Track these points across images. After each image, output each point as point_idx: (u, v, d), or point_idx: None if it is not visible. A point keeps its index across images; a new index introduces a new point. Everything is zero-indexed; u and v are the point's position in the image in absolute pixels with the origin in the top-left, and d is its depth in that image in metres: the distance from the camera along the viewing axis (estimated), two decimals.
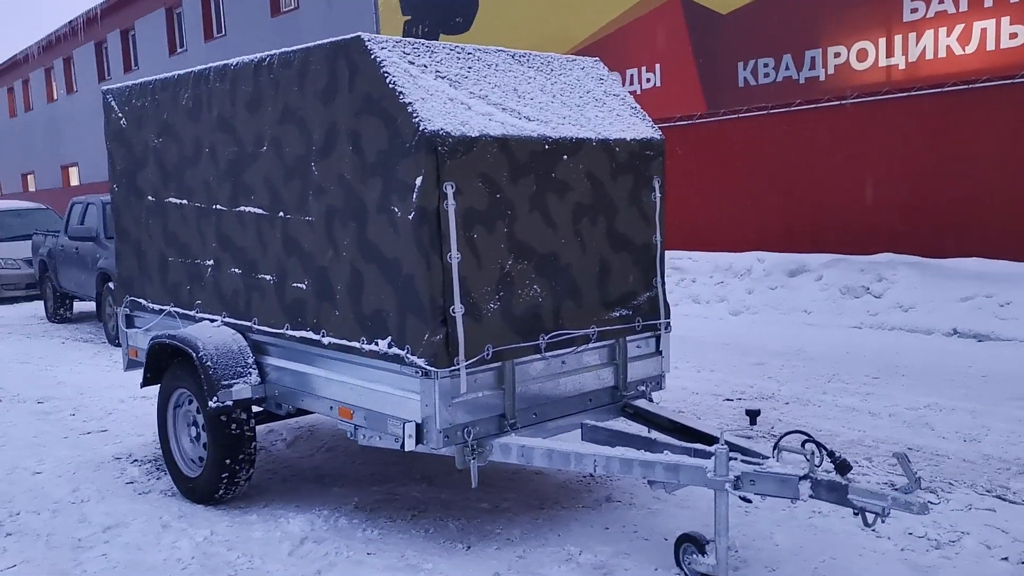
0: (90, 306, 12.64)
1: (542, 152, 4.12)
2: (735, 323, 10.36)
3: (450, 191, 3.77)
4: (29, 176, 39.77)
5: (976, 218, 9.92)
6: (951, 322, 9.05)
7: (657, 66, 12.91)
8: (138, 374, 6.15)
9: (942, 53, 9.97)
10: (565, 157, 4.22)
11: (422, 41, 4.24)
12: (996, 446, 5.45)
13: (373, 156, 3.94)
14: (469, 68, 4.30)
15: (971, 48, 9.74)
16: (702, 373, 7.81)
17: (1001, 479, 4.87)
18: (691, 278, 11.55)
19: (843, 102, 10.84)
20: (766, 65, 11.56)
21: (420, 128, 3.71)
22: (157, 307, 5.65)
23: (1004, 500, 4.57)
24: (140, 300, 5.84)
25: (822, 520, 4.37)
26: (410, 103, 3.78)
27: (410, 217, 3.78)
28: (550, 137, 4.17)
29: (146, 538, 4.45)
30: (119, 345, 10.55)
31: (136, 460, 5.83)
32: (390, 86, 3.84)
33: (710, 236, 12.17)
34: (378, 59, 3.91)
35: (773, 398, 6.91)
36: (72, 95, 34.10)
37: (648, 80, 13.04)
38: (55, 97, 36.08)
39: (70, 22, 32.58)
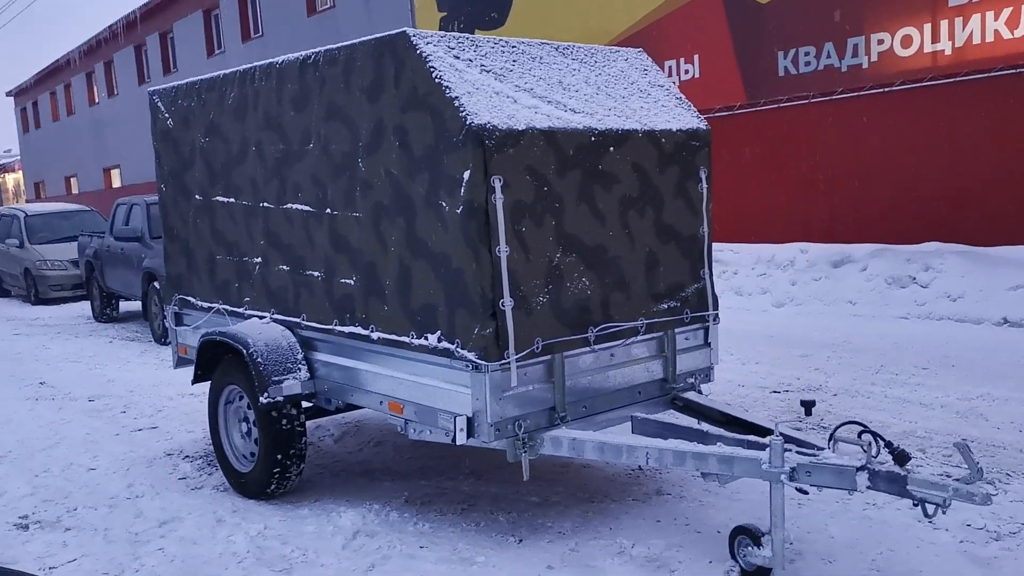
0: (136, 305, 12.84)
1: (588, 144, 4.11)
2: (779, 315, 10.25)
3: (498, 184, 3.77)
4: (72, 179, 40.50)
5: None
6: (1001, 311, 8.87)
7: (696, 57, 12.79)
8: (187, 372, 6.25)
9: (990, 37, 9.75)
10: (611, 149, 4.20)
11: (466, 35, 4.25)
12: None
13: (420, 151, 3.95)
14: (514, 61, 4.30)
15: (1020, 32, 9.52)
16: (747, 366, 7.73)
17: None
18: (733, 270, 11.45)
19: (887, 89, 10.66)
20: (807, 54, 11.40)
21: (467, 122, 3.71)
22: (206, 305, 5.72)
23: None
24: (189, 298, 5.92)
25: (877, 512, 4.31)
26: (456, 97, 3.79)
27: (458, 211, 3.79)
28: (596, 129, 4.15)
29: (201, 532, 4.51)
30: (165, 343, 10.74)
31: (187, 456, 5.91)
32: (436, 81, 3.84)
33: (752, 227, 12.05)
34: (424, 54, 3.92)
35: (821, 390, 6.82)
36: (113, 98, 34.66)
37: (687, 71, 12.93)
38: (97, 100, 36.69)
39: (110, 26, 33.10)
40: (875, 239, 10.73)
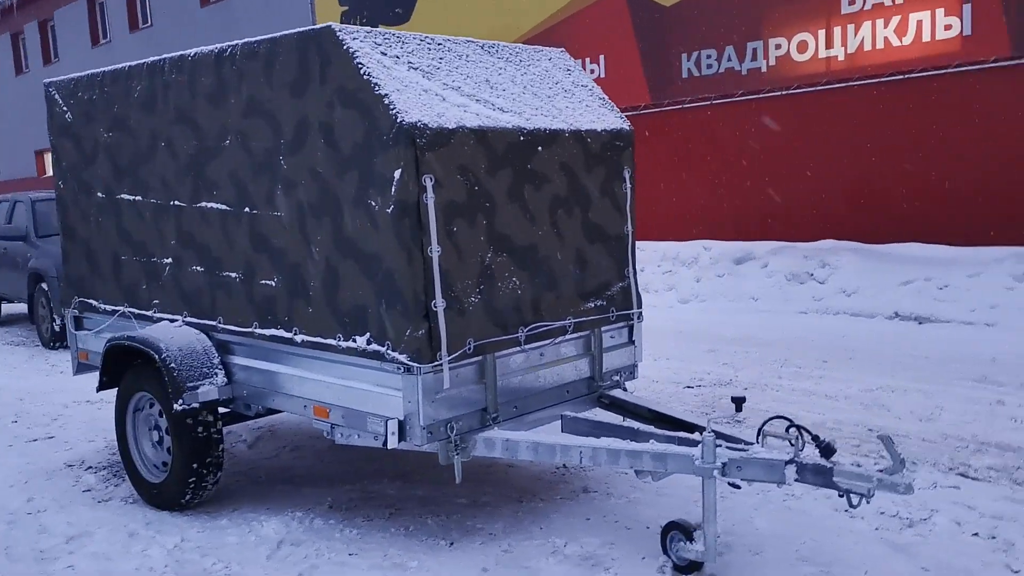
0: (20, 308, 12.14)
1: (518, 143, 4.09)
2: (685, 311, 10.50)
3: (429, 184, 3.71)
4: None
5: (914, 204, 10.23)
6: (893, 306, 9.33)
7: (601, 57, 12.97)
8: (83, 378, 5.97)
9: (880, 44, 10.24)
10: (540, 148, 4.20)
11: (392, 32, 4.17)
12: (952, 425, 5.63)
13: (348, 149, 3.86)
14: (440, 59, 4.24)
15: (908, 39, 10.03)
16: (659, 362, 7.88)
17: (961, 457, 5.03)
18: (640, 267, 11.65)
19: (784, 92, 11.05)
20: (709, 56, 11.71)
21: (398, 120, 3.64)
22: (110, 308, 5.45)
23: (967, 477, 4.72)
24: (90, 301, 5.63)
25: (796, 503, 4.45)
26: (386, 94, 3.71)
27: (389, 211, 3.72)
28: (525, 128, 4.14)
29: (113, 547, 4.29)
30: (55, 348, 10.20)
31: (91, 467, 5.62)
32: (365, 77, 3.76)
33: (656, 226, 12.29)
34: (351, 49, 3.82)
35: (731, 384, 7.02)
36: None
37: (592, 71, 13.09)
38: None
39: None
40: (775, 237, 11.12)
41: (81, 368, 5.81)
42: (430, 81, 4.03)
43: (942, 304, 9.07)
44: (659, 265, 11.55)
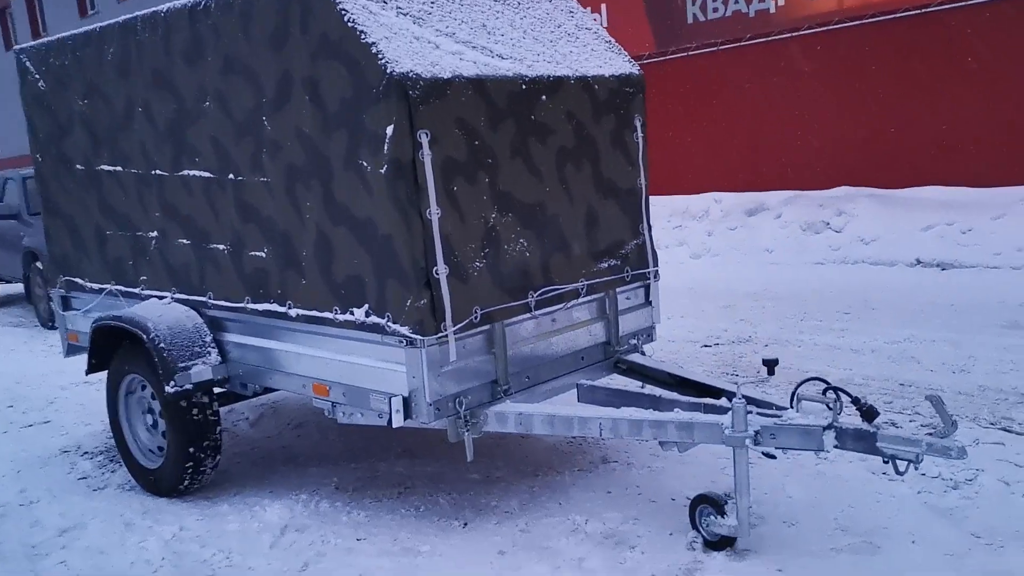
0: (17, 288, 11.90)
1: (520, 92, 3.77)
2: (697, 266, 10.18)
3: (425, 139, 3.40)
4: None
5: (933, 146, 9.84)
6: (914, 252, 9.00)
7: (603, 6, 12.51)
8: (80, 359, 5.70)
9: None
10: (544, 97, 3.87)
11: None
12: (987, 376, 5.34)
13: (335, 105, 3.54)
14: (432, 3, 3.90)
15: None
16: (673, 320, 7.60)
17: (1002, 410, 4.75)
18: None
19: (793, 34, 10.61)
20: (715, 0, 11.25)
21: (388, 71, 3.32)
22: (96, 286, 5.17)
23: (1010, 432, 4.44)
24: (77, 280, 5.35)
25: (831, 467, 4.18)
26: (374, 43, 3.38)
27: (382, 171, 3.41)
28: (526, 76, 3.81)
29: (108, 540, 4.05)
30: (53, 328, 9.96)
31: (86, 453, 5.39)
32: (350, 25, 3.42)
33: (664, 179, 11.90)
34: None
35: (751, 341, 6.74)
36: None
37: (595, 21, 12.64)
38: None
39: None
40: (788, 186, 10.75)
41: (71, 350, 5.55)
42: (422, 28, 3.69)
43: (966, 248, 8.74)
44: (668, 220, 11.21)
